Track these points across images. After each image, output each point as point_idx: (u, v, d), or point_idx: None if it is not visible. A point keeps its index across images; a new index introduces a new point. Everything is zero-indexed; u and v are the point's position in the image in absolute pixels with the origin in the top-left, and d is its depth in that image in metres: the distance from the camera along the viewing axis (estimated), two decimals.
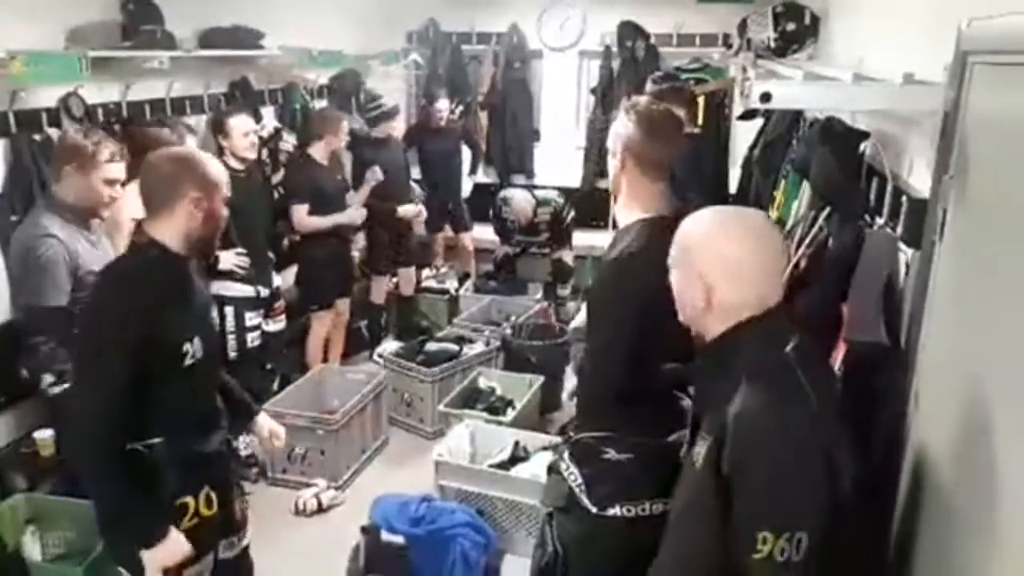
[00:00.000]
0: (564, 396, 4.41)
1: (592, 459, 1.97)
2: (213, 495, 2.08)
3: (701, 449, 1.39)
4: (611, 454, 1.94)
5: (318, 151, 4.38)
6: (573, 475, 2.00)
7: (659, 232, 1.95)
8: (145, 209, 1.99)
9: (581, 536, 1.99)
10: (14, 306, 2.84)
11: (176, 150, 2.26)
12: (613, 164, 2.04)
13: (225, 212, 2.06)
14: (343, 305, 4.70)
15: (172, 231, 1.97)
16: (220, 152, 3.82)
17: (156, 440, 1.95)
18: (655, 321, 1.87)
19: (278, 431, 2.44)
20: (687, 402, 1.57)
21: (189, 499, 2.02)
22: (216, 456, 2.12)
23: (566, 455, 2.05)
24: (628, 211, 2.02)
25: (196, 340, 2.00)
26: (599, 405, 2.02)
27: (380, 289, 5.36)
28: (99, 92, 3.52)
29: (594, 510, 1.95)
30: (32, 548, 2.82)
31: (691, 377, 1.59)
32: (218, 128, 3.89)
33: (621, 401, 1.93)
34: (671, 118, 2.04)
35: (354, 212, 4.55)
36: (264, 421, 2.42)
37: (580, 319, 2.18)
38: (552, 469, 2.14)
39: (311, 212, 4.29)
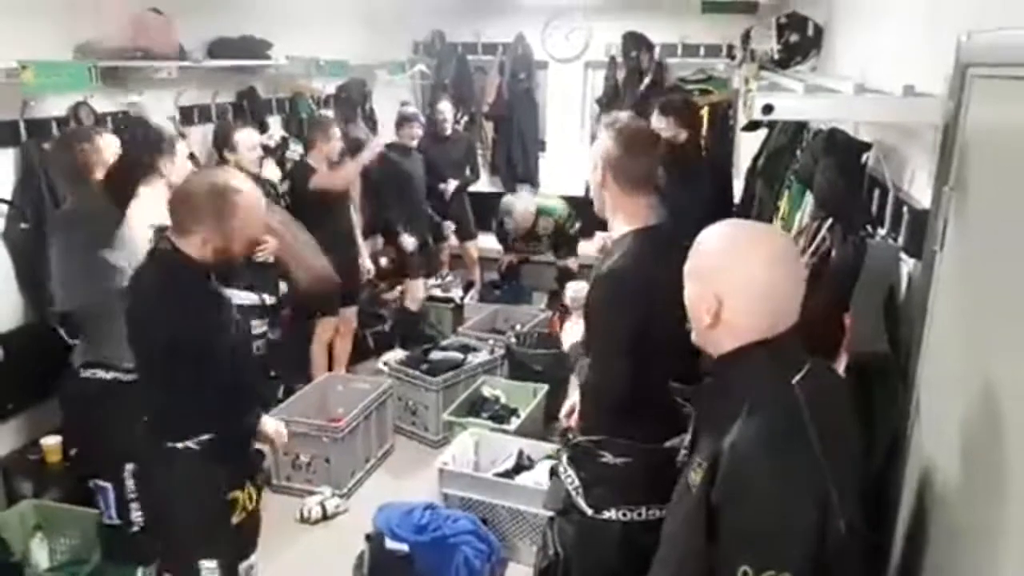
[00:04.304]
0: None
1: (589, 463, 1.99)
2: (253, 491, 2.16)
3: (697, 475, 1.36)
4: (608, 458, 1.96)
5: (314, 159, 4.40)
6: (570, 478, 2.03)
7: (650, 243, 1.99)
8: (171, 219, 2.04)
9: (578, 539, 2.01)
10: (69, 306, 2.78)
11: (214, 182, 2.06)
12: (595, 180, 2.09)
13: (247, 244, 2.10)
14: (349, 313, 4.70)
15: (190, 249, 2.02)
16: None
17: (206, 436, 2.02)
18: (651, 331, 1.90)
19: (282, 430, 2.47)
20: (688, 409, 1.57)
21: (238, 493, 2.09)
22: (255, 452, 2.22)
23: (564, 459, 2.08)
24: (618, 224, 2.07)
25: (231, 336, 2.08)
26: (599, 412, 2.04)
27: (416, 294, 5.42)
28: (108, 101, 3.56)
29: (590, 513, 1.98)
30: (39, 555, 2.84)
31: (693, 394, 1.57)
32: (224, 142, 3.90)
33: (621, 409, 1.96)
34: (648, 133, 2.11)
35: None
36: (269, 421, 2.44)
37: (577, 334, 2.21)
38: (553, 473, 2.16)
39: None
